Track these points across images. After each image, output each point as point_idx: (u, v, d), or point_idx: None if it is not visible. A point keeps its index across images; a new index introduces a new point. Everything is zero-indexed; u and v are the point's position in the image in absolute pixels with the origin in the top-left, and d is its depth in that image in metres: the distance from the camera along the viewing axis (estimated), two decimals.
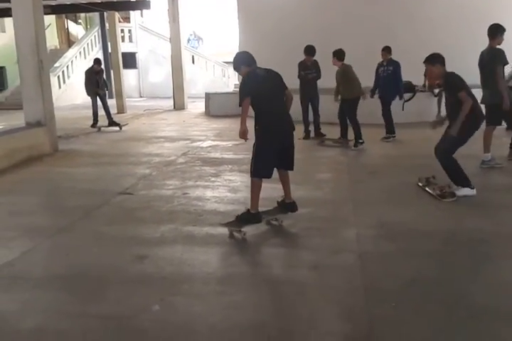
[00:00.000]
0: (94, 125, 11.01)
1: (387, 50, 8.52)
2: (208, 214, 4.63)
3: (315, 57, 8.61)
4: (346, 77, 7.87)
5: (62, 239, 4.10)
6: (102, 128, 10.87)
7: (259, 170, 4.02)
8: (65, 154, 8.01)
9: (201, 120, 12.90)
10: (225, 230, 4.17)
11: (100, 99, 11.06)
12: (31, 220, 4.56)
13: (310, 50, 8.48)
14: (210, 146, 8.61)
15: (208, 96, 13.92)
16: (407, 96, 9.88)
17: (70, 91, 17.18)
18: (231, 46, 19.40)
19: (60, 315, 2.80)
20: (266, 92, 4.00)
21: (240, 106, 3.95)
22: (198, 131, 10.63)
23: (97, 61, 11.20)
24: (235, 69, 4.28)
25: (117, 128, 10.86)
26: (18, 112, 14.22)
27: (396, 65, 8.47)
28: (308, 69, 8.60)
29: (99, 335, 2.62)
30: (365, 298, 2.92)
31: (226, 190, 5.55)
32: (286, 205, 4.29)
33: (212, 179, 6.07)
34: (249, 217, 4.03)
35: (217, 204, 5.00)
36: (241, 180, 6.00)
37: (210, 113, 13.59)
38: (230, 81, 20.74)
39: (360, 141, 7.93)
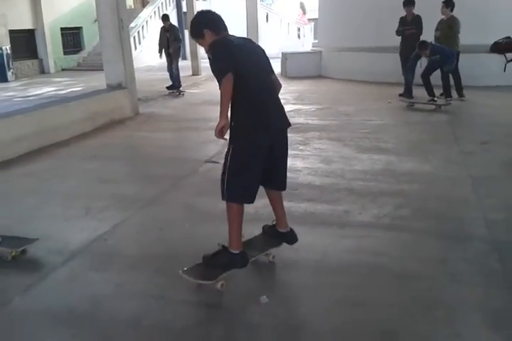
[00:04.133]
0: (170, 87, 10.57)
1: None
2: (303, 188, 4.23)
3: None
4: (453, 30, 7.22)
5: (152, 211, 3.87)
6: (169, 93, 10.29)
7: (234, 192, 2.62)
8: (145, 118, 7.84)
9: None
10: (325, 207, 3.77)
11: (172, 59, 10.27)
12: (120, 189, 4.38)
13: (408, 2, 7.87)
14: (291, 110, 8.08)
15: (285, 57, 13.22)
16: (510, 56, 8.89)
17: (145, 53, 17.05)
18: (311, 3, 18.35)
19: (161, 302, 2.54)
20: (248, 70, 2.58)
21: (219, 88, 2.50)
22: None
23: (164, 18, 10.45)
24: (193, 36, 2.78)
25: (178, 93, 10.22)
26: (95, 73, 14.42)
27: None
28: (408, 25, 7.96)
29: (206, 328, 2.33)
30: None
31: (318, 160, 5.10)
32: (281, 235, 2.95)
33: (301, 147, 5.62)
34: (230, 259, 2.65)
35: (310, 176, 4.57)
36: (333, 149, 5.52)
37: (286, 74, 12.94)
38: (306, 40, 19.78)
39: (449, 99, 7.69)
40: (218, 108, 2.48)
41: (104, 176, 4.74)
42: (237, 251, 2.66)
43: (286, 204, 3.80)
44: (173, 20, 19.50)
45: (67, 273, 2.88)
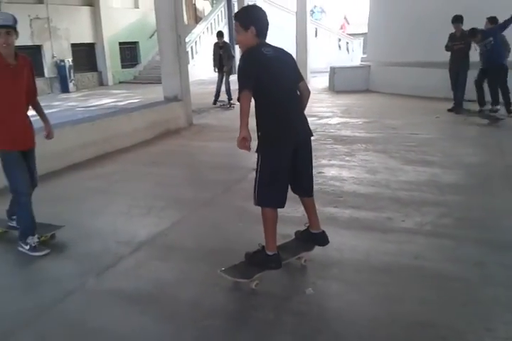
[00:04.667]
0: (215, 102, 10.79)
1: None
2: (348, 196, 4.46)
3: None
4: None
5: (207, 212, 4.21)
6: (221, 105, 10.67)
7: (265, 197, 2.82)
8: (199, 128, 8.29)
9: (325, 96, 12.58)
10: (369, 214, 3.98)
11: (223, 74, 10.71)
12: (177, 192, 4.76)
13: (456, 19, 8.02)
14: (339, 123, 8.35)
15: (333, 71, 13.49)
16: None
17: (197, 67, 17.77)
18: (360, 18, 18.58)
19: (216, 288, 2.85)
20: (278, 81, 2.73)
21: (238, 100, 2.69)
22: (323, 108, 10.36)
23: (218, 34, 10.70)
24: (238, 21, 2.81)
25: (229, 105, 10.45)
26: (150, 86, 15.24)
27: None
28: (457, 41, 8.10)
29: (257, 313, 2.62)
30: None
31: (363, 170, 5.31)
32: (313, 236, 3.12)
33: (347, 158, 5.85)
34: (265, 259, 2.87)
35: (355, 185, 4.80)
36: (378, 160, 5.71)
37: (334, 88, 13.20)
38: (355, 55, 19.96)
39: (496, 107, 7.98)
40: None
41: (162, 180, 5.14)
42: (271, 253, 2.86)
43: (331, 210, 4.10)
44: (225, 35, 20.34)
45: (134, 261, 3.25)
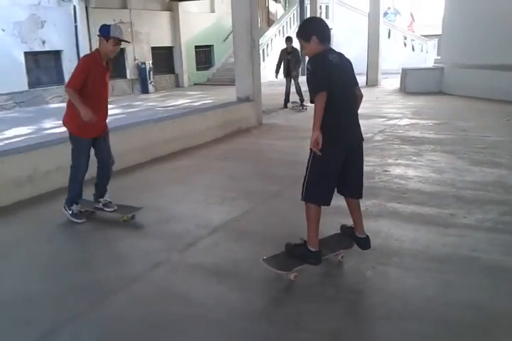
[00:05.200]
0: (285, 105, 10.99)
1: None
2: (412, 193, 4.62)
3: None
4: None
5: (275, 203, 4.55)
6: (294, 106, 10.83)
7: (312, 194, 2.96)
8: (268, 127, 8.67)
9: (396, 97, 12.55)
10: (432, 210, 4.14)
11: (292, 79, 10.81)
12: (247, 184, 5.14)
13: None
14: (408, 124, 8.40)
15: (405, 72, 13.41)
16: None
17: (268, 69, 18.23)
18: (431, 19, 18.20)
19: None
20: (339, 87, 2.85)
21: (311, 102, 2.85)
22: (393, 109, 10.40)
23: (287, 39, 10.67)
24: (299, 37, 3.01)
25: (302, 107, 10.62)
26: (223, 88, 15.88)
27: None
28: None
29: (317, 290, 2.92)
30: None
31: (430, 170, 5.42)
32: (357, 240, 3.22)
33: (414, 158, 5.97)
34: (306, 254, 2.99)
35: (421, 183, 4.94)
36: (446, 161, 5.79)
37: (405, 90, 13.12)
38: (429, 56, 19.54)
39: None
40: None
41: (234, 174, 5.55)
42: (313, 249, 2.97)
43: (394, 205, 4.30)
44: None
45: (211, 241, 3.66)
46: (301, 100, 10.72)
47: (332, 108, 2.81)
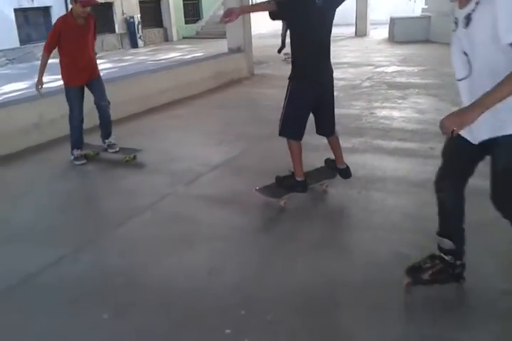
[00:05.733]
0: (279, 51, 10.96)
1: None
2: (396, 132, 4.97)
3: None
4: None
5: (268, 143, 4.84)
6: (286, 58, 10.59)
7: (287, 129, 3.29)
8: (259, 78, 8.86)
9: (384, 46, 12.66)
10: (413, 145, 4.50)
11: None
12: (243, 129, 5.44)
13: None
14: (395, 71, 8.64)
15: (393, 22, 13.45)
16: None
17: (258, 20, 18.02)
18: None
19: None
20: (315, 28, 3.08)
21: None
22: (381, 57, 10.58)
23: None
24: None
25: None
26: (212, 41, 15.79)
27: None
28: None
29: (312, 208, 3.32)
30: None
31: (413, 111, 5.75)
32: (338, 170, 3.57)
33: (399, 101, 6.28)
34: (293, 183, 3.35)
35: (404, 123, 5.28)
36: (429, 103, 6.11)
37: (394, 39, 13.21)
38: (417, 6, 19.33)
39: None
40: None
41: (230, 120, 5.84)
42: (300, 179, 3.33)
43: (379, 142, 4.64)
44: None
45: (212, 176, 4.02)
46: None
47: (306, 48, 3.10)
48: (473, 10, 1.81)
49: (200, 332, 2.17)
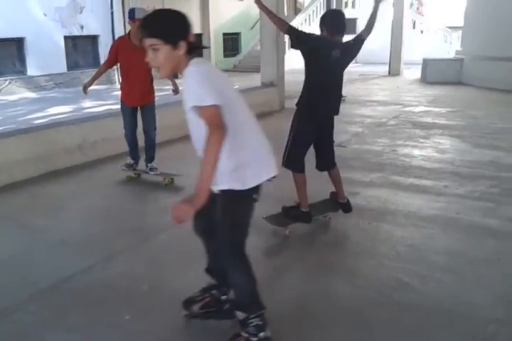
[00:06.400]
0: None
1: None
2: (414, 169, 5.20)
3: None
4: None
5: (287, 173, 5.17)
6: None
7: (291, 162, 3.46)
8: (289, 111, 9.15)
9: (416, 86, 12.95)
10: (428, 182, 4.71)
11: None
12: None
13: None
14: (422, 111, 8.89)
15: (426, 63, 13.77)
16: None
17: (291, 57, 18.71)
18: (456, 10, 18.34)
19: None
20: (327, 73, 3.37)
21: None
22: (411, 97, 10.85)
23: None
24: (320, 26, 3.44)
25: None
26: (249, 75, 16.43)
27: None
28: None
29: (319, 237, 3.57)
30: None
31: (434, 150, 5.97)
32: (339, 205, 3.72)
33: (421, 140, 6.51)
34: (298, 214, 3.53)
35: (423, 161, 5.51)
36: (450, 143, 6.33)
37: (426, 79, 13.49)
38: (452, 47, 19.66)
39: None
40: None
41: None
42: (305, 210, 3.50)
43: (396, 178, 4.89)
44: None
45: None
46: None
47: (317, 87, 3.37)
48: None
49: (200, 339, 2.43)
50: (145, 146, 4.94)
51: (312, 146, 3.59)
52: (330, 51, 3.30)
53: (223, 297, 2.47)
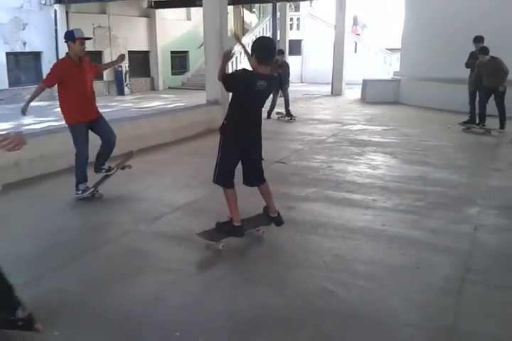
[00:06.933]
0: (268, 115, 10.46)
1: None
2: (347, 184, 5.46)
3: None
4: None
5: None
6: (279, 117, 10.58)
7: (221, 179, 3.70)
8: None
9: (355, 106, 13.54)
10: (358, 196, 4.98)
11: (282, 90, 10.34)
12: (208, 174, 5.75)
13: (476, 39, 8.77)
14: (359, 129, 9.32)
15: (365, 83, 14.45)
16: None
17: None
18: (395, 33, 19.41)
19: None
20: (249, 107, 3.61)
21: (218, 78, 3.58)
22: (350, 116, 11.34)
23: (279, 52, 9.81)
24: (251, 51, 3.52)
25: (290, 118, 10.43)
26: (196, 92, 16.59)
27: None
28: (476, 59, 8.74)
29: (253, 250, 3.70)
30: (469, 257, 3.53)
31: (367, 166, 6.29)
32: (271, 218, 3.90)
33: (356, 157, 6.84)
34: (231, 229, 3.68)
35: (356, 177, 5.80)
36: (382, 159, 6.68)
37: (365, 99, 14.14)
38: (391, 68, 20.72)
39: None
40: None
41: (198, 166, 6.26)
42: (237, 224, 3.66)
43: (329, 192, 5.11)
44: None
45: (173, 216, 4.41)
46: (287, 112, 10.56)
47: (240, 117, 3.60)
48: None
49: None
50: (101, 152, 4.98)
51: (240, 163, 3.78)
52: (254, 83, 3.46)
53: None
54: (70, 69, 4.65)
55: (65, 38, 4.72)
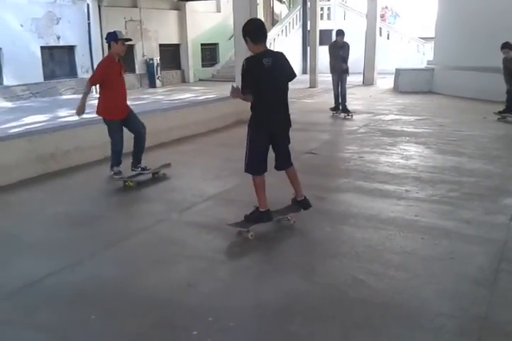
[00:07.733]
0: (335, 108, 9.73)
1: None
2: (378, 175, 5.40)
3: None
4: None
5: None
6: (345, 116, 9.54)
7: (250, 167, 3.77)
8: None
9: (388, 95, 13.31)
10: (391, 187, 4.92)
11: (341, 79, 9.61)
12: (238, 165, 5.83)
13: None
14: (391, 120, 9.17)
15: (398, 72, 14.17)
16: None
17: None
18: (429, 21, 18.92)
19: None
20: (267, 86, 3.60)
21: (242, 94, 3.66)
22: (382, 106, 11.16)
23: (339, 33, 9.50)
24: (243, 37, 3.64)
25: (347, 115, 9.52)
26: (226, 84, 16.60)
27: None
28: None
29: (287, 239, 3.72)
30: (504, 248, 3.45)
31: (399, 157, 6.20)
32: (298, 203, 3.97)
33: (388, 147, 6.75)
34: (258, 215, 3.76)
35: (388, 167, 5.72)
36: (415, 150, 6.57)
37: (398, 89, 13.88)
38: (425, 57, 20.23)
39: None
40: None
41: (228, 157, 6.33)
42: (263, 209, 3.75)
43: (360, 183, 5.08)
44: (298, 37, 21.33)
45: (204, 206, 4.47)
46: (344, 106, 9.65)
47: (260, 101, 3.65)
48: None
49: (172, 332, 2.55)
50: (135, 147, 5.21)
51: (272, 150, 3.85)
52: (261, 63, 3.53)
53: None
54: (112, 69, 4.97)
55: (107, 38, 4.99)
